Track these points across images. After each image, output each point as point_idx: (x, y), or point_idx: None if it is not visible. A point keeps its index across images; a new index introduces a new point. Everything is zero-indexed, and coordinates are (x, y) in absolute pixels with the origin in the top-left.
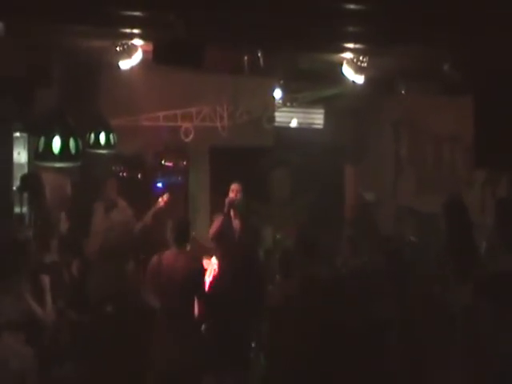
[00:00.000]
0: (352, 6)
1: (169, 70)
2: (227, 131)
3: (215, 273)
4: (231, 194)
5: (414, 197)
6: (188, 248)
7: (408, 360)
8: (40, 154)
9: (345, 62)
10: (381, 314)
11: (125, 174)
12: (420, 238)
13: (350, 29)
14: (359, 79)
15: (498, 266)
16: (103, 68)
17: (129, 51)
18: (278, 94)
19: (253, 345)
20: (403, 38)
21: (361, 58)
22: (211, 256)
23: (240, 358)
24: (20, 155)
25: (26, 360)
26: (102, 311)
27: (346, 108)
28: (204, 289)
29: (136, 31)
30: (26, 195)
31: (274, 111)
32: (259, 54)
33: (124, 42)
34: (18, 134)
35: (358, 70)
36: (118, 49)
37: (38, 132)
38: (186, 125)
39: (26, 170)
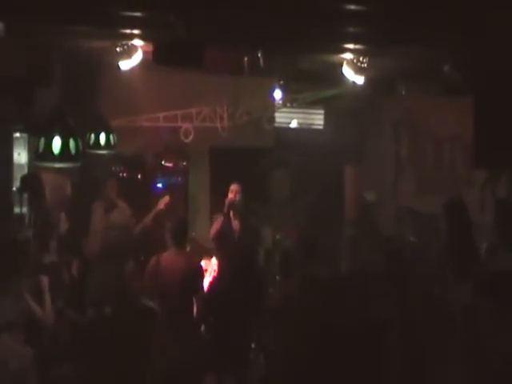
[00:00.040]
0: (352, 7)
1: (169, 71)
2: (227, 132)
3: (215, 273)
4: (231, 195)
5: (414, 197)
6: (188, 248)
7: (408, 360)
8: (40, 155)
9: (345, 63)
10: (381, 314)
11: (125, 175)
12: (420, 238)
13: (351, 29)
14: (359, 80)
15: (497, 265)
16: (103, 68)
17: (129, 52)
18: (278, 94)
19: (253, 345)
20: (403, 38)
21: (361, 58)
22: (211, 256)
23: (240, 358)
24: (20, 156)
25: (25, 360)
26: (101, 311)
27: (346, 108)
28: (202, 289)
29: (136, 32)
30: (25, 196)
31: (274, 112)
32: (259, 55)
33: (124, 42)
34: (18, 135)
35: (358, 70)
36: (118, 49)
37: (38, 132)
38: (186, 125)
39: (25, 171)
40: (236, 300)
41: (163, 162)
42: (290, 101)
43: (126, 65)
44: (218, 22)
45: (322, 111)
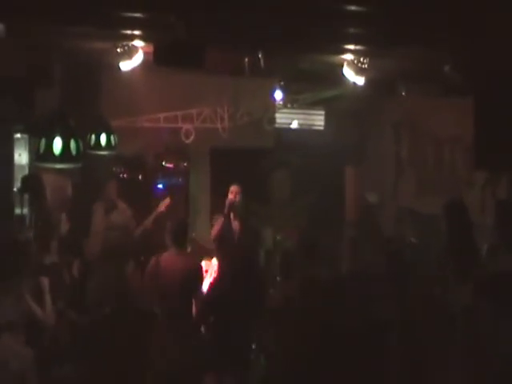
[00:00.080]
0: (353, 8)
1: (169, 72)
2: (228, 132)
3: (216, 274)
4: (230, 196)
5: (414, 198)
6: (188, 249)
7: (408, 361)
8: (41, 156)
9: (345, 64)
10: (381, 315)
11: (125, 176)
12: (420, 239)
13: (351, 30)
14: (360, 81)
15: (498, 266)
16: (104, 69)
17: (129, 52)
18: (278, 95)
19: (253, 346)
20: (404, 39)
21: (361, 59)
22: (212, 257)
23: (240, 359)
24: (21, 156)
25: (25, 361)
26: (101, 312)
27: (346, 109)
28: (201, 289)
29: (137, 32)
30: (26, 196)
31: (274, 112)
32: (260, 56)
33: (125, 43)
34: (18, 136)
35: (359, 71)
36: (118, 50)
37: (39, 133)
38: (186, 126)
39: (26, 172)
40: (236, 301)
41: (164, 163)
42: (291, 101)
43: (126, 65)
44: (218, 22)
45: (322, 112)
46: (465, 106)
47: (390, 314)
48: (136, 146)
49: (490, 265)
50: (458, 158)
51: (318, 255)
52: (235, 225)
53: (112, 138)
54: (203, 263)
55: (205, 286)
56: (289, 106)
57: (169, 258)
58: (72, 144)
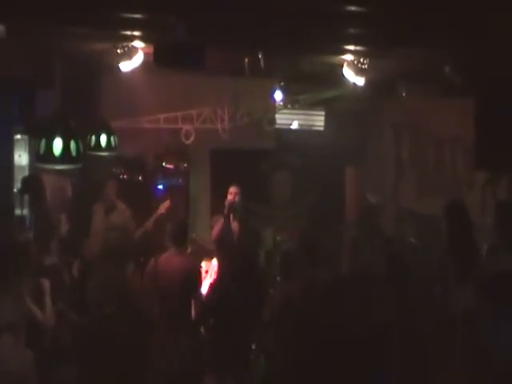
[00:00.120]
0: (353, 8)
1: (169, 72)
2: (228, 133)
3: (216, 275)
4: (229, 197)
5: (414, 199)
6: (189, 250)
7: (408, 361)
8: (41, 156)
9: (345, 64)
10: (381, 316)
11: (125, 176)
12: (421, 240)
13: (351, 31)
14: (360, 81)
15: (498, 266)
16: (104, 70)
17: (129, 53)
18: (278, 95)
19: (253, 346)
20: (404, 40)
21: (361, 59)
22: (212, 258)
23: (240, 359)
24: (21, 157)
25: (25, 362)
26: (102, 312)
27: (346, 110)
28: (201, 290)
29: (137, 33)
30: (26, 197)
31: (274, 113)
32: (260, 56)
33: (125, 44)
34: (18, 136)
35: (359, 71)
36: (118, 51)
37: (39, 134)
38: (186, 127)
39: (26, 172)
40: (236, 301)
41: (164, 164)
42: (291, 102)
43: (126, 66)
44: (218, 23)
45: (322, 112)
46: (465, 107)
47: (390, 315)
48: (136, 147)
49: (489, 265)
50: (458, 159)
51: (317, 255)
52: (235, 226)
53: (112, 138)
54: (203, 264)
55: (205, 287)
56: (289, 106)
57: (168, 258)
58: (72, 145)
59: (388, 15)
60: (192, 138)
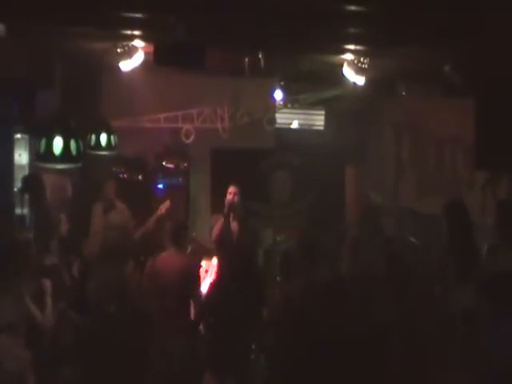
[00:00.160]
0: (353, 8)
1: (169, 72)
2: (228, 133)
3: (215, 274)
4: (229, 197)
5: (414, 198)
6: (189, 249)
7: (408, 361)
8: (41, 156)
9: (345, 64)
10: (381, 316)
11: (125, 176)
12: (421, 240)
13: (351, 30)
14: (360, 81)
15: (498, 266)
16: (104, 69)
17: (130, 53)
18: (278, 95)
19: (253, 346)
20: (404, 39)
21: (361, 59)
22: (212, 257)
23: (240, 359)
24: (21, 156)
25: (23, 363)
26: (102, 312)
27: (346, 109)
28: (200, 289)
29: (137, 33)
30: (26, 196)
31: (274, 113)
32: (260, 56)
33: (125, 43)
34: (19, 136)
35: (359, 71)
36: (118, 50)
37: (39, 133)
38: (186, 126)
39: (26, 172)
40: (236, 301)
41: (164, 163)
42: (291, 102)
43: (126, 66)
44: (218, 23)
45: (322, 112)
46: (465, 107)
47: (390, 315)
48: (136, 146)
49: (489, 265)
50: (458, 159)
51: (317, 255)
52: (234, 225)
53: (112, 138)
54: (203, 263)
55: (205, 286)
56: (289, 106)
57: (168, 258)
58: (72, 144)
59: (388, 15)
60: (192, 138)
